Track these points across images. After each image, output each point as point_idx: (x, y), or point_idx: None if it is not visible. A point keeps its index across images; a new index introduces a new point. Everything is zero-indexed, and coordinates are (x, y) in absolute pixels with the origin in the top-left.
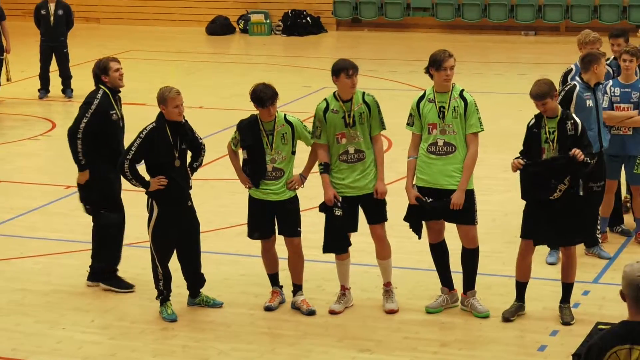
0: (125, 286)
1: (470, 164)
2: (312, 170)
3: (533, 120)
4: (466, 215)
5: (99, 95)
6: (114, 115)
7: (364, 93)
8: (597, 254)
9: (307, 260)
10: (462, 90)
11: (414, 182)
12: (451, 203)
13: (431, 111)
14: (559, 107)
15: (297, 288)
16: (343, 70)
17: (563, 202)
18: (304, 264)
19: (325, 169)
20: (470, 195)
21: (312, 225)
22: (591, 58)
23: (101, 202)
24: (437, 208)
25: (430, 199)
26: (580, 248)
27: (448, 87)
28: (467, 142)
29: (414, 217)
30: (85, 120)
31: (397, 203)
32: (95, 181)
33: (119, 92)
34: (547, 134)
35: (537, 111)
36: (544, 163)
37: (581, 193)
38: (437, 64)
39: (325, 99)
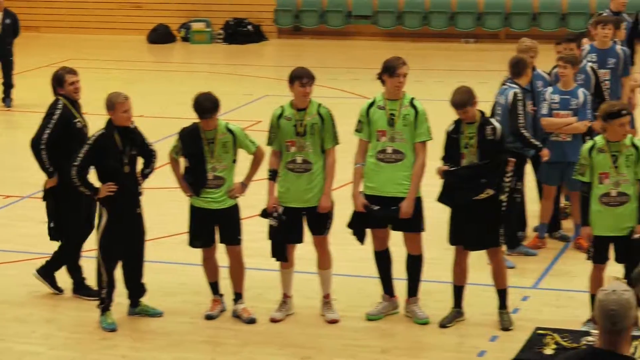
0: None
1: (419, 172)
2: (253, 178)
3: (452, 126)
4: (414, 223)
5: (59, 106)
6: (78, 123)
7: (319, 105)
8: (524, 252)
9: (248, 268)
10: (413, 98)
11: (361, 190)
12: (401, 212)
13: (381, 118)
14: (478, 112)
15: (238, 296)
16: (298, 78)
17: (483, 207)
18: (244, 272)
19: (273, 176)
20: (418, 202)
21: (254, 234)
22: (525, 63)
23: (66, 210)
24: (385, 216)
25: (377, 207)
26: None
27: (399, 95)
28: (416, 151)
29: (359, 225)
30: (47, 131)
31: (338, 210)
32: (60, 189)
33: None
34: (467, 139)
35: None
36: (469, 168)
37: (503, 197)
38: (390, 71)
39: (282, 105)
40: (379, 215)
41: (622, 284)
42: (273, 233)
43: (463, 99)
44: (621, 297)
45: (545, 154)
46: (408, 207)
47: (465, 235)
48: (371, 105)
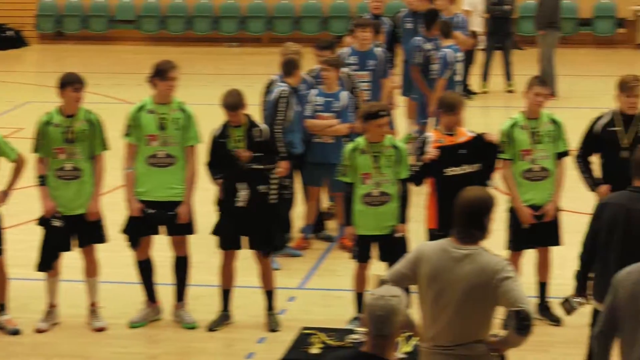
0: None
1: (191, 177)
2: (15, 187)
3: (219, 130)
4: (186, 227)
5: None
6: None
7: (88, 111)
8: (290, 254)
9: (12, 278)
10: (181, 102)
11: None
12: (179, 217)
13: (151, 122)
14: (244, 115)
15: (1, 307)
16: (70, 84)
17: (254, 210)
18: (7, 283)
19: (43, 181)
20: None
21: (17, 243)
22: (295, 63)
23: None
24: (160, 218)
25: (153, 210)
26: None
27: (170, 99)
28: (187, 155)
29: (133, 230)
30: None
31: (108, 217)
32: None
33: None
34: (234, 142)
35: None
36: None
37: (272, 200)
38: (162, 74)
39: (48, 112)
40: (155, 217)
41: (392, 289)
42: (46, 241)
43: (236, 101)
44: (388, 302)
45: (283, 168)
46: (184, 212)
47: (235, 239)
48: (140, 109)
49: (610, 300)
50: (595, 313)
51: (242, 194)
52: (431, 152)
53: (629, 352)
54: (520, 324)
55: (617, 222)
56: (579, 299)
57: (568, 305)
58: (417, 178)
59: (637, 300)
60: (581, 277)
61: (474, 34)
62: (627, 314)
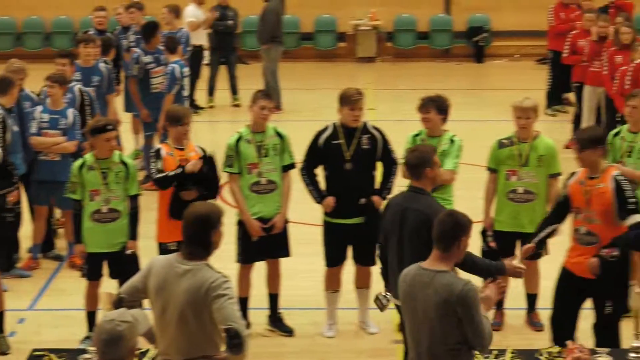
0: None
1: None
2: None
3: None
4: None
5: None
6: None
7: None
8: (18, 275)
9: None
10: None
11: None
12: None
13: None
14: None
15: None
16: None
17: None
18: None
19: None
20: None
21: None
22: (10, 82)
23: None
24: None
25: None
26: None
27: None
28: None
29: None
30: None
31: None
32: None
33: None
34: None
35: None
36: None
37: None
38: None
39: None
40: None
41: (125, 314)
42: None
43: None
44: (115, 328)
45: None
46: None
47: None
48: None
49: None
50: (398, 308)
51: None
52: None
53: (415, 347)
54: (231, 342)
55: (396, 221)
56: (388, 295)
57: (379, 302)
58: (163, 182)
59: (412, 300)
60: (384, 274)
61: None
62: (405, 313)
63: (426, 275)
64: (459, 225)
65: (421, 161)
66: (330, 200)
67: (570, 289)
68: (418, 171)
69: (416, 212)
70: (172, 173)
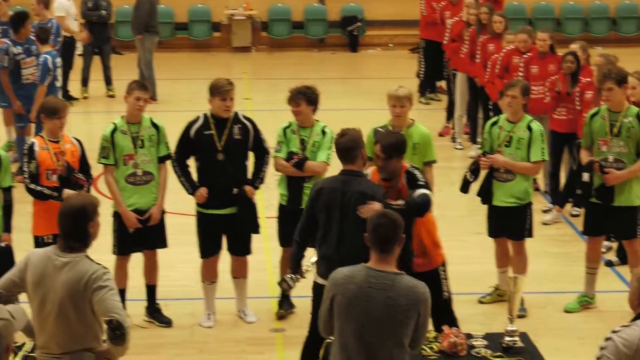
0: None
1: None
2: None
3: None
4: None
5: None
6: None
7: None
8: None
9: None
10: None
11: None
12: None
13: None
14: None
15: None
16: None
17: None
18: None
19: None
20: None
21: None
22: None
23: None
24: None
25: None
26: None
27: None
28: None
29: None
30: None
31: None
32: None
33: None
34: None
35: None
36: None
37: None
38: None
39: None
40: None
41: (1, 310)
42: None
43: None
44: None
45: None
46: None
47: None
48: None
49: (328, 300)
50: (317, 287)
51: None
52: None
53: (363, 347)
54: (113, 334)
55: (334, 204)
56: (294, 276)
57: (286, 284)
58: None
59: (366, 301)
60: (295, 257)
61: (81, 31)
62: (348, 312)
63: (383, 277)
64: (398, 224)
65: (354, 144)
66: (202, 191)
67: None
68: (352, 154)
69: (360, 193)
70: (47, 192)
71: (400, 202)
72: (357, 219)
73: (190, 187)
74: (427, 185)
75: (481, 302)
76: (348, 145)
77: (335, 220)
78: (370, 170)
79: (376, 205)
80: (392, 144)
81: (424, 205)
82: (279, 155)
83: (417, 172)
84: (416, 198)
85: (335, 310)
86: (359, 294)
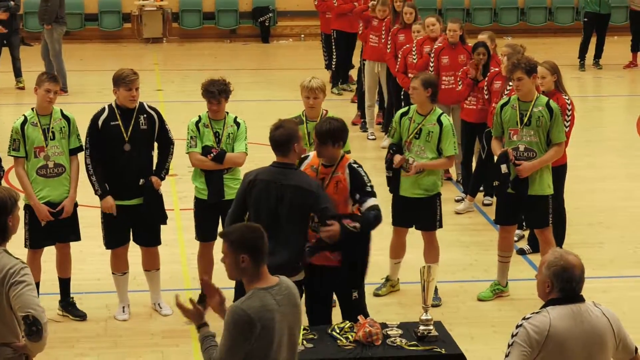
0: None
1: None
2: None
3: None
4: None
5: None
6: None
7: None
8: None
9: None
10: None
11: None
12: None
13: None
14: None
15: None
16: None
17: None
18: None
19: None
20: None
21: None
22: None
23: None
24: None
25: None
26: None
27: None
28: None
29: None
30: None
31: None
32: None
33: None
34: None
35: None
36: None
37: None
38: None
39: None
40: None
41: None
42: None
43: None
44: None
45: None
46: None
47: None
48: None
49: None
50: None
51: None
52: None
53: None
54: (29, 330)
55: (267, 196)
56: None
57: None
58: None
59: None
60: None
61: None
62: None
63: None
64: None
65: (289, 137)
66: (110, 201)
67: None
68: (286, 147)
69: (296, 188)
70: None
71: (357, 224)
72: (289, 212)
73: (100, 190)
74: (373, 192)
75: (377, 295)
76: (283, 138)
77: (267, 212)
78: (312, 154)
79: (335, 226)
80: (326, 130)
81: (376, 219)
82: (194, 150)
83: (362, 172)
84: (370, 216)
85: None
86: None
